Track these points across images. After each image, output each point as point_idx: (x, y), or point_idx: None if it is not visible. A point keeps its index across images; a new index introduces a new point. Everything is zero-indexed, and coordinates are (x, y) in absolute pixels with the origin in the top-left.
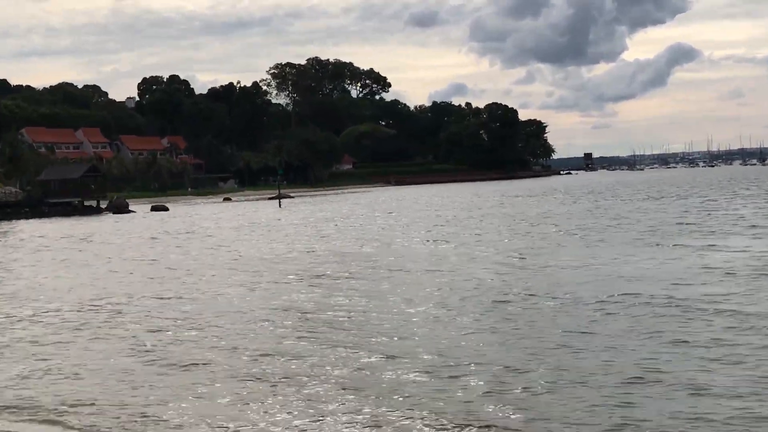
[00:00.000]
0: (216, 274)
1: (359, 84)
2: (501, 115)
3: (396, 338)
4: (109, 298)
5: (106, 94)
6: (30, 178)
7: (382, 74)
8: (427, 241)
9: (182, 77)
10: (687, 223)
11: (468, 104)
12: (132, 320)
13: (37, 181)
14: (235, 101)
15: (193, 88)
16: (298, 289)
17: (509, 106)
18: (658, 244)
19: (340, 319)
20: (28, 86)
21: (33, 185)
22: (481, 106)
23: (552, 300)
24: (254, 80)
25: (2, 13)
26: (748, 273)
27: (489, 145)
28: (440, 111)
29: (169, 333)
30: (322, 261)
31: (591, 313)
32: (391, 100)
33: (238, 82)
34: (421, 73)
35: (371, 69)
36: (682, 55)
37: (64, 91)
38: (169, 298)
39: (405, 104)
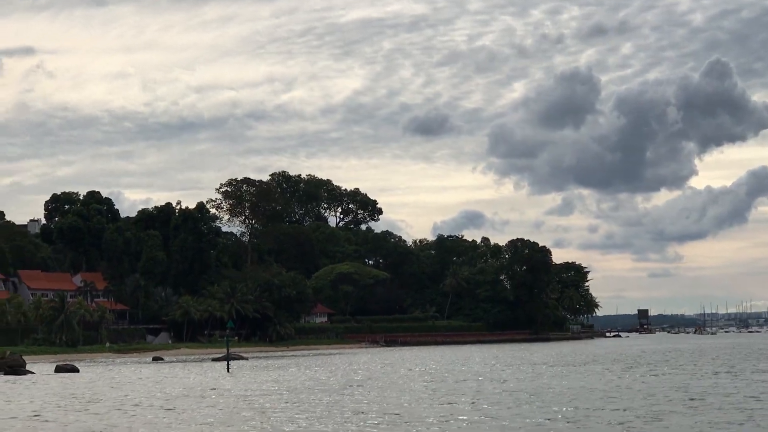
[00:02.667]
0: None
1: (340, 209)
2: (528, 255)
3: None
4: None
5: (2, 214)
6: None
7: (371, 197)
8: None
9: (104, 194)
10: None
11: (485, 240)
12: None
13: None
14: (173, 228)
15: (117, 210)
16: None
17: (539, 244)
18: None
19: None
20: None
21: None
22: (503, 242)
23: None
24: (199, 200)
25: None
26: None
27: (512, 295)
28: (447, 248)
29: None
30: None
31: None
32: (382, 232)
33: (178, 203)
34: (423, 196)
35: (356, 189)
36: None
37: None
38: None
39: (400, 238)
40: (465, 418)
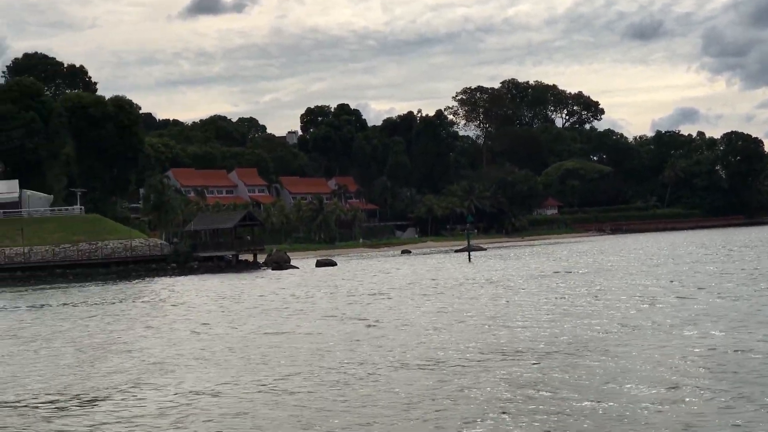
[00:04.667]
0: None
1: (565, 111)
2: (742, 146)
3: None
4: None
5: (264, 128)
6: (177, 228)
7: (593, 98)
8: None
9: (353, 106)
10: None
11: (700, 134)
12: None
13: (185, 232)
14: (414, 135)
15: (365, 120)
16: None
17: (752, 136)
18: None
19: None
20: (176, 121)
21: (180, 237)
22: (717, 135)
23: None
24: (438, 108)
25: (146, 36)
26: None
27: (727, 184)
28: (665, 143)
29: None
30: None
31: None
32: (605, 130)
33: (419, 111)
34: (642, 96)
35: (580, 92)
36: None
37: (216, 125)
38: None
39: (621, 135)
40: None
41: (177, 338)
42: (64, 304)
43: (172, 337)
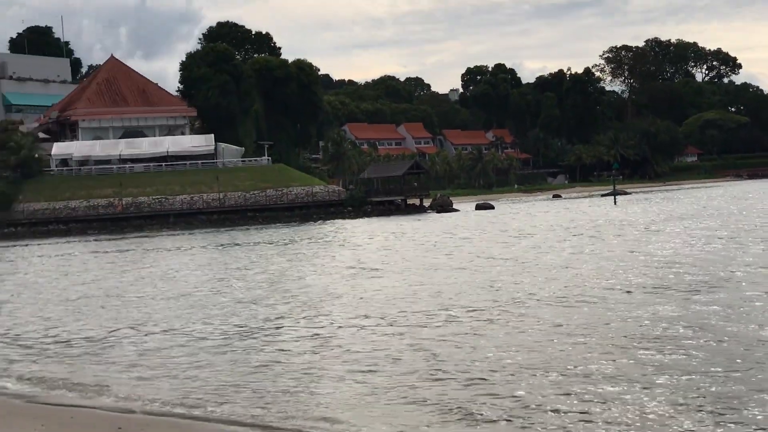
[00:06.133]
0: None
1: (705, 67)
2: None
3: None
4: None
5: (428, 86)
6: (353, 176)
7: (732, 54)
8: None
9: (508, 66)
10: None
11: None
12: None
13: (359, 180)
14: (564, 90)
15: (519, 77)
16: None
17: None
18: None
19: None
20: (350, 81)
21: (356, 183)
22: None
23: None
24: (586, 66)
25: (324, 5)
26: None
27: None
28: None
29: None
30: None
31: None
32: (742, 83)
33: (569, 69)
34: None
35: (718, 49)
36: None
37: (386, 84)
38: None
39: (758, 87)
40: None
41: (367, 272)
42: (255, 243)
43: (359, 271)
